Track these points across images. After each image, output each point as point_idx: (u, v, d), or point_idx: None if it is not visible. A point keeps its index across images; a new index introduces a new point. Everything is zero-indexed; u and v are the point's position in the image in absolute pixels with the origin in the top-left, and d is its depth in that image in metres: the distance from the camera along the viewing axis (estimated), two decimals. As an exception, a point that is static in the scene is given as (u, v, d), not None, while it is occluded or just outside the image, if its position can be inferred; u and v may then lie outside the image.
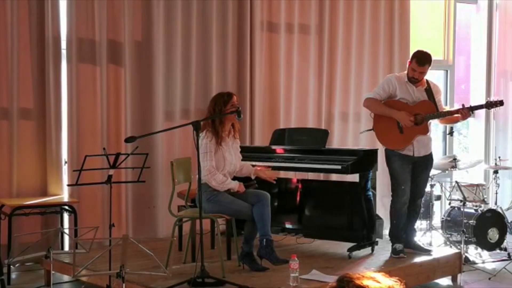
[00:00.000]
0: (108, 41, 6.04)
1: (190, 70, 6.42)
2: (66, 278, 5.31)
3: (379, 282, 1.51)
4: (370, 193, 5.50)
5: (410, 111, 5.29)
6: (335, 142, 7.06)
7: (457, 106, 7.30)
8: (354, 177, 5.53)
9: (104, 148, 4.55)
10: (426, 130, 5.36)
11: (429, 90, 5.40)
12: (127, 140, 4.53)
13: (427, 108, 5.32)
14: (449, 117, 5.40)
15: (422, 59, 5.26)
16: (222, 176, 4.85)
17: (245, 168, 5.15)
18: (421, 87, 5.38)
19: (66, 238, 5.84)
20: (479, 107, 5.44)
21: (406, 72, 5.39)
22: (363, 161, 5.42)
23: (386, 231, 5.79)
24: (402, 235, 5.45)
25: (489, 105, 5.36)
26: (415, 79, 5.30)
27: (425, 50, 5.38)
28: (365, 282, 1.49)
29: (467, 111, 5.27)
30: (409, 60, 5.38)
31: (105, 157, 4.27)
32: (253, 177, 5.17)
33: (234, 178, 5.01)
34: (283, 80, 6.88)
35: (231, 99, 4.91)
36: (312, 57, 7.04)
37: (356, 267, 5.08)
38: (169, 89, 6.33)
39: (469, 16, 8.56)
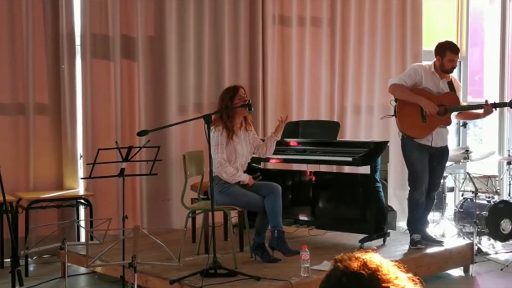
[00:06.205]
0: (121, 37, 6.11)
1: (202, 64, 6.48)
2: (82, 270, 5.41)
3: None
4: (381, 184, 5.52)
5: (435, 101, 5.29)
6: (347, 135, 7.08)
7: (471, 99, 7.34)
8: (367, 169, 5.56)
9: (116, 142, 4.62)
10: (448, 122, 5.38)
11: (451, 84, 5.43)
12: (139, 134, 4.59)
13: (452, 100, 5.34)
14: (468, 112, 5.43)
15: (455, 47, 5.33)
16: (232, 169, 4.89)
17: (264, 144, 5.15)
18: (445, 79, 5.40)
19: (82, 231, 5.93)
20: (503, 104, 5.49)
21: (431, 63, 5.39)
22: (374, 153, 5.45)
23: (399, 223, 5.80)
24: (420, 225, 5.46)
25: None
26: (454, 68, 5.35)
27: (444, 39, 5.46)
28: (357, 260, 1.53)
29: (490, 107, 5.28)
30: (437, 55, 5.31)
31: (118, 150, 4.34)
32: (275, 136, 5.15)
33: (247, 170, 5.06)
34: (295, 73, 6.92)
35: (237, 93, 4.92)
36: (324, 50, 7.06)
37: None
38: (182, 83, 6.39)
39: (482, 7, 8.52)
